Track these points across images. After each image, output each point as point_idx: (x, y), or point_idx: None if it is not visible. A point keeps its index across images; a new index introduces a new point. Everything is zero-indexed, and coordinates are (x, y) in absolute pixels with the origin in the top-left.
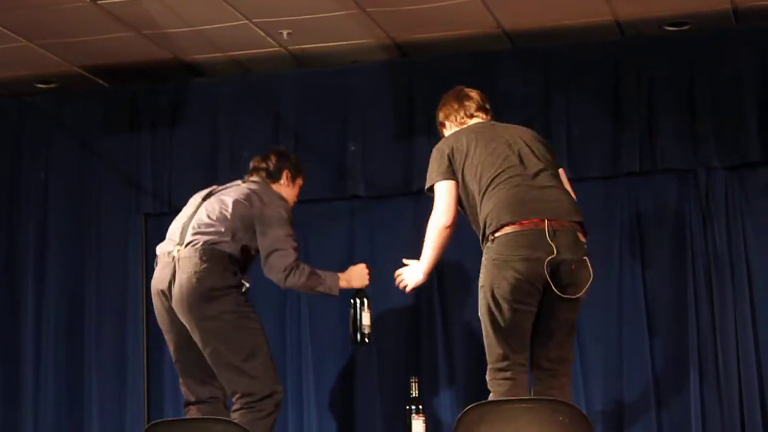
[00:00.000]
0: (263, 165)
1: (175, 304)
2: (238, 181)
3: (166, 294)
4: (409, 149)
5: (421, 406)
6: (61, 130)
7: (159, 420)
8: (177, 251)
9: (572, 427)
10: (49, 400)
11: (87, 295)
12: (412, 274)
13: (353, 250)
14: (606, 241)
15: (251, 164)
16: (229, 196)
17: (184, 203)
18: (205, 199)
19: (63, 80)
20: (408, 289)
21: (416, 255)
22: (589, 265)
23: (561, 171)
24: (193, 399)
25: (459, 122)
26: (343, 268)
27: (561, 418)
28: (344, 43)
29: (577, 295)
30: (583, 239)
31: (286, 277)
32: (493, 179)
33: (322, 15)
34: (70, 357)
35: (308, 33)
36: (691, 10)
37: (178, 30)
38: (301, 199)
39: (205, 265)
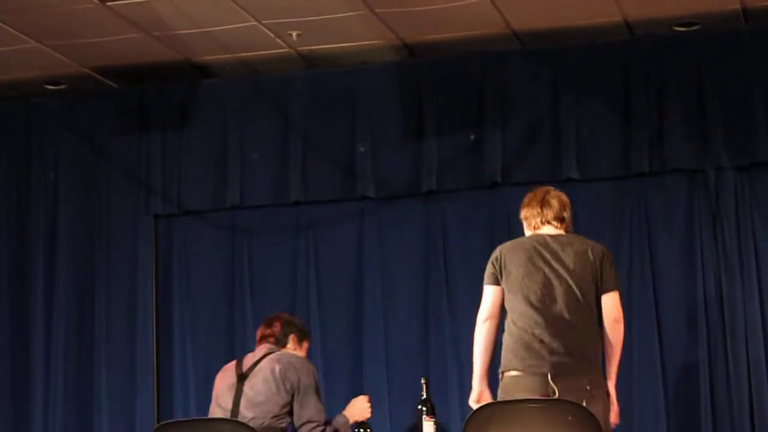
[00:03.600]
0: (269, 332)
1: None
2: (261, 350)
3: None
4: (419, 150)
5: (431, 407)
6: (70, 131)
7: (169, 420)
8: None
9: (581, 427)
10: (59, 400)
11: (97, 296)
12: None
13: (363, 251)
14: (616, 241)
15: (258, 334)
16: (269, 369)
17: (194, 204)
18: (240, 380)
19: (72, 81)
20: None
21: (424, 255)
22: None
23: (607, 296)
24: None
25: (533, 227)
26: (354, 268)
27: (570, 418)
28: (353, 44)
29: None
30: (588, 386)
31: None
32: (517, 315)
33: (331, 16)
34: (80, 357)
35: (317, 34)
36: (701, 10)
37: (188, 31)
38: (311, 200)
39: None
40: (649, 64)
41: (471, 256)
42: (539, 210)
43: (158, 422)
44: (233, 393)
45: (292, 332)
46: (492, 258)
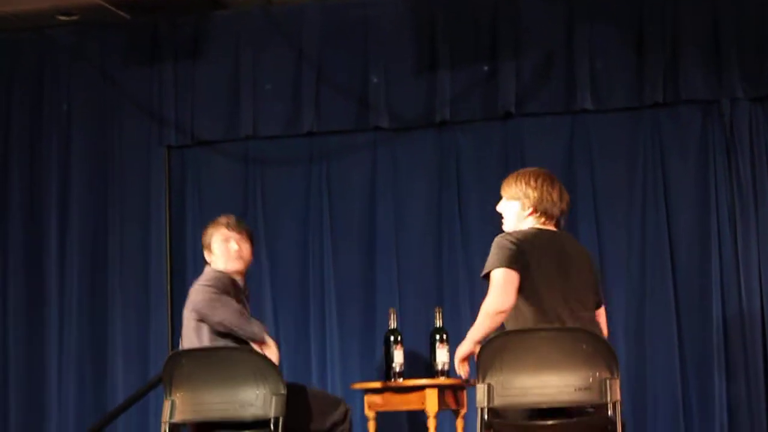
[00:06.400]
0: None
1: None
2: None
3: None
4: (432, 80)
5: (445, 336)
6: (83, 63)
7: (182, 348)
8: None
9: (595, 356)
10: (73, 327)
11: (111, 226)
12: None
13: (375, 181)
14: (629, 172)
15: None
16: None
17: (207, 135)
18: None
19: (85, 12)
20: (456, 364)
21: (438, 185)
22: None
23: (603, 310)
24: None
25: (546, 220)
26: (367, 199)
27: (584, 347)
28: None
29: None
30: None
31: None
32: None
33: None
34: (94, 286)
35: None
36: None
37: None
38: (325, 131)
39: None
40: None
41: (484, 186)
42: (559, 201)
43: (172, 349)
44: None
45: (203, 247)
46: (508, 245)
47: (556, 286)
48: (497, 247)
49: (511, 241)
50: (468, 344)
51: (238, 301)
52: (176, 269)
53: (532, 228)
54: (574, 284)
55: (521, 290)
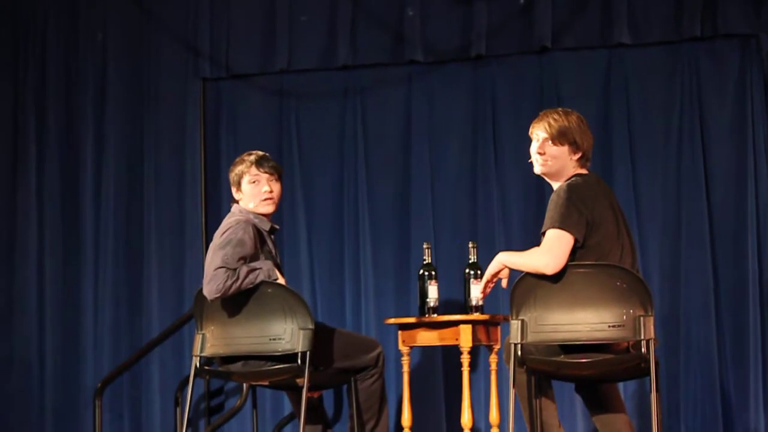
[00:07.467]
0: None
1: None
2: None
3: None
4: (468, 14)
5: (479, 271)
6: None
7: None
8: None
9: (630, 293)
10: (109, 264)
11: (146, 159)
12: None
13: (411, 115)
14: (666, 107)
15: None
16: None
17: (242, 68)
18: None
19: None
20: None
21: (473, 119)
22: None
23: None
24: None
25: (585, 161)
26: (401, 133)
27: (618, 284)
28: None
29: None
30: None
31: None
32: None
33: None
34: (129, 219)
35: None
36: None
37: None
38: (359, 64)
39: None
40: None
41: (519, 120)
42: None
43: None
44: None
45: (231, 185)
46: (576, 208)
47: (618, 243)
48: (567, 202)
49: (579, 206)
50: (498, 266)
51: (260, 246)
52: (211, 203)
53: (586, 175)
54: (627, 232)
55: (584, 247)
